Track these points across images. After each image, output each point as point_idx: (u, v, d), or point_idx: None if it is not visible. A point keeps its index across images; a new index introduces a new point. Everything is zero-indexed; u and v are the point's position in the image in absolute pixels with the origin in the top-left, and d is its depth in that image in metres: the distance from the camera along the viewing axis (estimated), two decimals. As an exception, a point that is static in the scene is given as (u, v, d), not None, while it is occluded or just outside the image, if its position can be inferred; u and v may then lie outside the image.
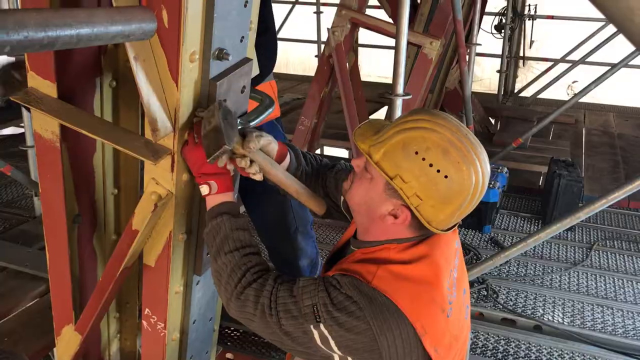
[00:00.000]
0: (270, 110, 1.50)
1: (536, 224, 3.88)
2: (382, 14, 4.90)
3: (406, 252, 1.20)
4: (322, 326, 1.13)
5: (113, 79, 1.57)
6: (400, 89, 2.38)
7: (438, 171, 1.11)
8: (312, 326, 1.14)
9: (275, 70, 2.32)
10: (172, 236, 1.44)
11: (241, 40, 1.33)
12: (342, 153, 5.82)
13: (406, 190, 1.14)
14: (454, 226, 1.24)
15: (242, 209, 2.42)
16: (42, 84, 1.37)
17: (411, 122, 1.16)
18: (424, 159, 1.12)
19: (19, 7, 1.71)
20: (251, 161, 1.32)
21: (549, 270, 3.25)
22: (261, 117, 1.47)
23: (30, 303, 2.46)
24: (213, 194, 1.32)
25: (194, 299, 1.64)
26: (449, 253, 1.26)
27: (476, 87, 6.97)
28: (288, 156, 1.44)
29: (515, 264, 3.31)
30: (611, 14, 0.59)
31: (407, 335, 1.12)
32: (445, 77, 4.81)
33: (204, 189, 1.32)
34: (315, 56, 6.62)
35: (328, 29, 3.52)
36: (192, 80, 1.25)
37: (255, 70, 1.46)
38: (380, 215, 1.20)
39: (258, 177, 1.33)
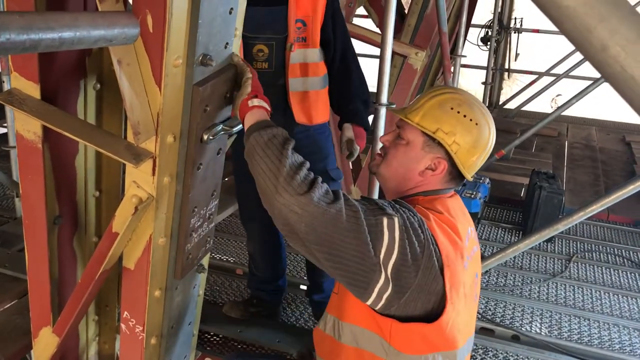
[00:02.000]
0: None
1: (517, 234, 3.92)
2: (369, 24, 4.95)
3: (432, 203, 1.38)
4: (396, 219, 1.22)
5: (97, 82, 1.58)
6: (384, 98, 2.40)
7: (470, 120, 1.37)
8: (386, 218, 1.21)
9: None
10: (152, 239, 1.44)
11: (225, 47, 1.34)
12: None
13: (447, 139, 1.36)
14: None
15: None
16: (26, 85, 1.37)
17: (438, 90, 1.43)
18: (458, 112, 1.37)
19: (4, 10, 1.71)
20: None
21: (528, 281, 3.28)
22: (244, 123, 1.48)
23: (9, 304, 2.43)
24: (266, 111, 1.36)
25: (173, 303, 1.64)
26: (464, 222, 1.41)
27: (462, 98, 7.00)
28: None
29: (495, 274, 3.34)
30: (567, 30, 0.62)
31: (435, 261, 1.25)
32: (431, 87, 4.85)
33: (265, 105, 1.36)
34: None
35: (315, 37, 3.54)
36: (176, 85, 1.26)
37: None
38: (420, 171, 1.40)
39: None
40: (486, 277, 3.29)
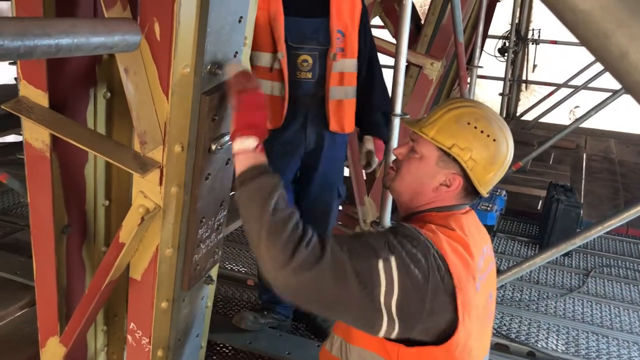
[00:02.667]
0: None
1: (533, 248, 3.85)
2: (385, 34, 4.93)
3: (445, 220, 1.34)
4: (393, 258, 1.17)
5: (107, 90, 1.57)
6: (398, 108, 2.37)
7: (488, 136, 1.32)
8: (381, 261, 1.16)
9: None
10: (158, 250, 1.42)
11: (235, 56, 1.33)
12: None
13: (463, 155, 1.32)
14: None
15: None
16: (34, 93, 1.36)
17: (455, 103, 1.37)
18: (475, 127, 1.32)
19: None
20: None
21: (545, 296, 3.22)
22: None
23: (19, 313, 2.43)
24: (256, 151, 1.26)
25: (180, 315, 1.62)
26: (479, 239, 1.37)
27: (478, 109, 6.94)
28: None
29: (511, 288, 3.28)
30: (583, 37, 0.58)
31: (446, 287, 1.20)
32: (447, 99, 4.80)
33: (251, 142, 1.25)
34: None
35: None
36: (183, 94, 1.24)
37: None
38: (434, 187, 1.35)
39: None
40: (501, 291, 3.23)
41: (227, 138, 1.39)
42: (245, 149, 1.25)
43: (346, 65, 2.28)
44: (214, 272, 1.70)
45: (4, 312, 2.41)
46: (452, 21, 3.18)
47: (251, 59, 2.21)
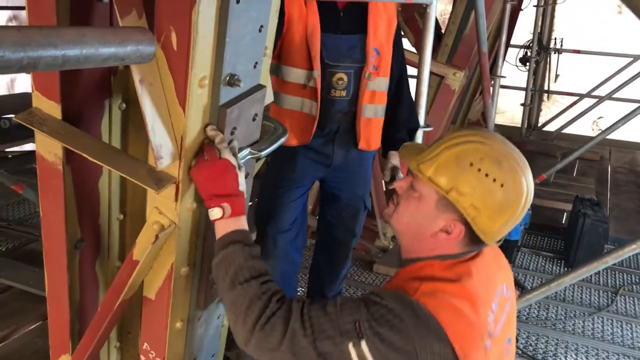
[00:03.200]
0: (282, 139, 1.43)
1: (558, 264, 3.74)
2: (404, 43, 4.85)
3: (450, 270, 1.18)
4: (363, 343, 1.07)
5: (123, 102, 1.52)
6: (422, 120, 2.30)
7: (494, 180, 1.14)
8: (351, 344, 1.07)
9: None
10: (173, 269, 1.36)
11: (255, 66, 1.27)
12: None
13: (463, 202, 1.15)
14: (500, 240, 1.25)
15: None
16: (47, 105, 1.31)
17: (459, 137, 1.19)
18: (479, 170, 1.14)
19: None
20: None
21: (572, 315, 3.10)
22: (273, 147, 1.40)
23: (32, 326, 2.39)
24: (225, 219, 1.23)
25: (195, 335, 1.56)
26: (492, 283, 1.23)
27: (499, 119, 6.87)
28: None
29: (536, 307, 3.17)
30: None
31: (446, 357, 1.07)
32: (468, 108, 4.73)
33: (216, 212, 1.22)
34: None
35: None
36: (201, 106, 1.18)
37: (270, 98, 1.39)
38: (432, 232, 1.20)
39: None
40: (527, 309, 3.12)
41: (246, 152, 1.33)
42: (214, 219, 1.25)
43: (379, 83, 2.24)
44: (230, 291, 1.63)
45: (16, 325, 2.37)
46: (476, 30, 3.11)
47: (283, 74, 2.16)
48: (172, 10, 1.06)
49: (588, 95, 6.52)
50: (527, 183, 1.19)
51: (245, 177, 1.40)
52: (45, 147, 1.38)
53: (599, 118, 7.14)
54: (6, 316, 2.45)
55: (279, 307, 1.15)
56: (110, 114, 1.51)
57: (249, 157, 1.33)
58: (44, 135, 1.30)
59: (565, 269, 3.62)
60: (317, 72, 2.11)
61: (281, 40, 2.11)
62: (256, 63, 1.27)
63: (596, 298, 3.30)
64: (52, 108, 1.31)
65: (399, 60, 2.31)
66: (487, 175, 1.14)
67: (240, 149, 1.32)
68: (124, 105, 1.52)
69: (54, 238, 1.54)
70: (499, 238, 1.22)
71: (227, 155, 1.21)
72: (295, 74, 2.14)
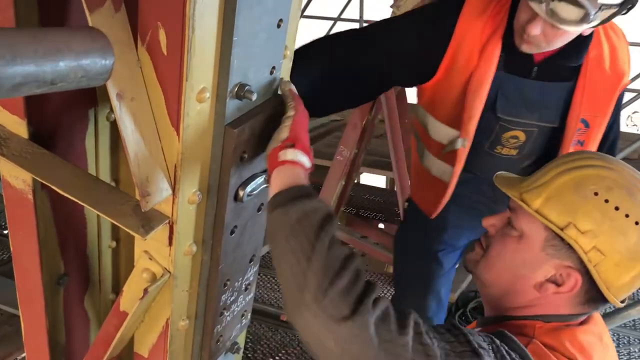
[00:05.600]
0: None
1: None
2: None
3: (557, 336, 0.94)
4: None
5: (111, 112, 1.25)
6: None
7: (627, 216, 0.90)
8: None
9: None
10: (169, 324, 1.10)
11: (271, 72, 0.98)
12: (380, 181, 5.45)
13: (583, 244, 0.91)
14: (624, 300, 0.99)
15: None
16: (9, 120, 1.04)
17: (577, 160, 0.96)
18: (607, 201, 0.91)
19: None
20: None
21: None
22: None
23: (21, 355, 2.15)
24: (303, 168, 0.96)
25: (197, 396, 1.29)
26: (606, 354, 0.99)
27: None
28: None
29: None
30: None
31: None
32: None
33: (306, 160, 0.95)
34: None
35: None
36: (200, 126, 0.90)
37: None
38: (536, 283, 0.96)
39: None
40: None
41: (260, 180, 1.05)
42: (295, 161, 0.93)
43: None
44: (241, 338, 1.37)
45: (4, 353, 2.13)
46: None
47: (427, 124, 1.72)
48: (160, 1, 0.78)
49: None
50: None
51: (259, 210, 1.13)
52: (11, 172, 1.12)
53: (633, 113, 6.77)
54: (-4, 342, 2.22)
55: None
56: (97, 127, 1.25)
57: (265, 186, 1.05)
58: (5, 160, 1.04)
59: None
60: (464, 142, 1.63)
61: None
62: (273, 68, 0.98)
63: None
64: (15, 124, 1.05)
65: (616, 126, 1.74)
66: (617, 209, 0.91)
67: (253, 177, 1.04)
68: (113, 115, 1.25)
69: (28, 277, 1.29)
70: (628, 294, 0.96)
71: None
72: (440, 132, 1.69)
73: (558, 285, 0.95)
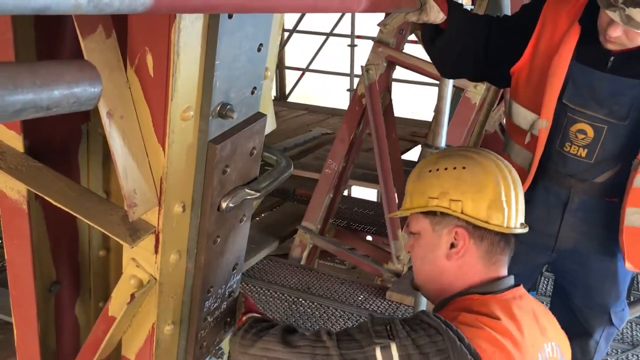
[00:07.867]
0: (286, 174, 1.21)
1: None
2: (419, 50, 4.64)
3: (488, 305, 1.11)
4: (393, 345, 1.03)
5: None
6: (442, 140, 2.08)
7: (454, 168, 1.18)
8: (379, 348, 1.03)
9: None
10: (155, 328, 1.16)
11: (252, 93, 1.05)
12: (371, 194, 5.52)
13: (443, 204, 1.17)
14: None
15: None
16: (6, 135, 1.11)
17: (417, 167, 1.28)
18: (437, 170, 1.20)
19: None
20: None
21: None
22: (274, 184, 1.18)
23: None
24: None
25: (183, 399, 1.34)
26: (541, 332, 1.15)
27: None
28: None
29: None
30: None
31: None
32: (486, 119, 4.49)
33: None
34: (347, 90, 6.38)
35: (362, 66, 3.26)
36: (185, 143, 0.97)
37: (272, 126, 1.18)
38: (444, 255, 1.18)
39: None
40: None
41: (242, 193, 1.11)
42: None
43: None
44: (225, 344, 1.43)
45: (-1, 361, 2.17)
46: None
47: (511, 111, 1.74)
48: (147, 27, 0.85)
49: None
50: (492, 159, 1.20)
51: (241, 221, 1.20)
52: (7, 184, 1.18)
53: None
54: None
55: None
56: (89, 142, 1.32)
57: (247, 198, 1.12)
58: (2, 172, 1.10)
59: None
60: (545, 122, 1.62)
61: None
62: (254, 88, 1.06)
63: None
64: (12, 139, 1.11)
65: None
66: (446, 169, 1.19)
67: (235, 190, 1.10)
68: (104, 130, 1.32)
69: (21, 284, 1.34)
70: (504, 216, 1.16)
71: None
72: (521, 117, 1.71)
73: (456, 246, 1.16)
